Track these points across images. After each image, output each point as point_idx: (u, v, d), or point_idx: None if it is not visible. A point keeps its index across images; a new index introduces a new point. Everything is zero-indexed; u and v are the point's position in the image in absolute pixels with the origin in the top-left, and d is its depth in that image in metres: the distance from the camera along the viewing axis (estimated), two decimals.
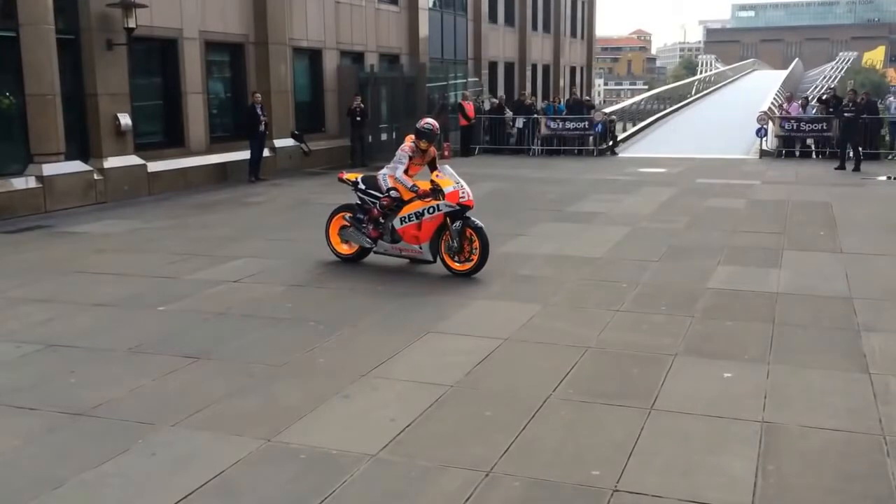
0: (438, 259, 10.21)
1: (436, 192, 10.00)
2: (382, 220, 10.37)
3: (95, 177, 16.90)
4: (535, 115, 28.40)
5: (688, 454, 5.31)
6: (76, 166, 16.63)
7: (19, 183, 15.63)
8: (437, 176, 10.18)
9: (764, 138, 26.46)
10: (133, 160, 17.85)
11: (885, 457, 5.26)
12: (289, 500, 4.75)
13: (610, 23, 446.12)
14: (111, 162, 17.29)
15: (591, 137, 28.12)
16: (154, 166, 18.45)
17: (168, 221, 14.91)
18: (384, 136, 26.41)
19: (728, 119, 36.96)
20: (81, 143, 17.03)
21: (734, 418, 5.85)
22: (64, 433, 5.77)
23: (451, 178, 10.07)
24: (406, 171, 10.25)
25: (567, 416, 5.98)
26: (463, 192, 9.95)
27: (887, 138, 25.97)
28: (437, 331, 8.01)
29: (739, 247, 11.78)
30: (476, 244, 9.98)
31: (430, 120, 10.56)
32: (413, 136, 10.42)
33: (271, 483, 4.98)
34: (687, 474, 5.03)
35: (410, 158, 10.29)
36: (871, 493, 4.79)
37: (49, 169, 15.95)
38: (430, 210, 10.01)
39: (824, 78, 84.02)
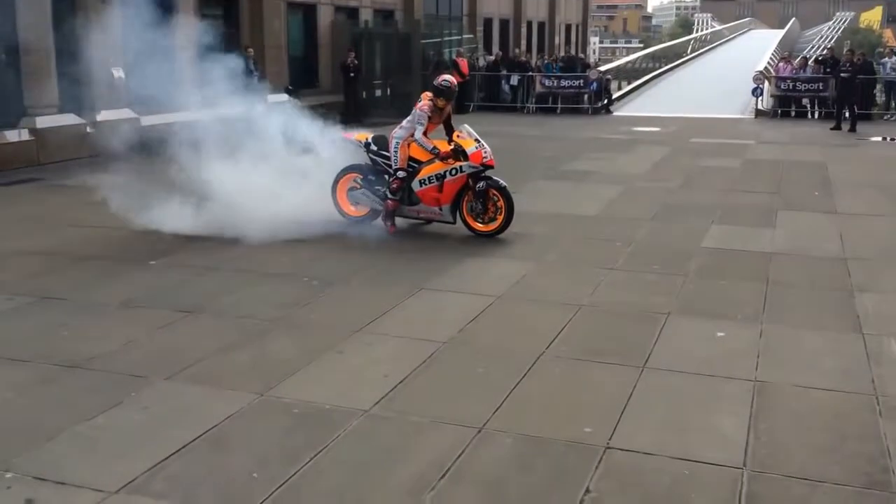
0: (459, 220, 9.98)
1: (457, 153, 9.70)
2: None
3: (88, 130, 16.78)
4: (530, 73, 28.23)
5: (680, 412, 5.32)
6: (70, 119, 16.51)
7: (12, 135, 15.54)
8: (457, 136, 9.90)
9: (760, 98, 26.35)
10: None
11: (877, 417, 5.28)
12: (282, 455, 4.76)
13: None
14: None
15: (585, 96, 27.97)
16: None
17: None
18: (378, 93, 26.22)
19: (724, 78, 36.80)
20: (75, 97, 16.87)
21: (727, 377, 5.86)
22: (57, 385, 5.76)
23: (472, 138, 9.81)
24: (424, 132, 9.80)
25: (559, 373, 5.98)
26: (485, 153, 9.68)
27: (882, 98, 25.92)
28: (431, 287, 8.00)
29: (733, 206, 11.76)
30: (501, 204, 9.78)
31: (447, 77, 10.03)
32: (430, 94, 9.91)
33: (264, 437, 4.98)
34: (679, 432, 5.05)
35: (429, 118, 9.83)
36: (862, 453, 4.81)
37: (43, 122, 15.86)
38: (453, 172, 9.72)
39: (821, 38, 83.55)
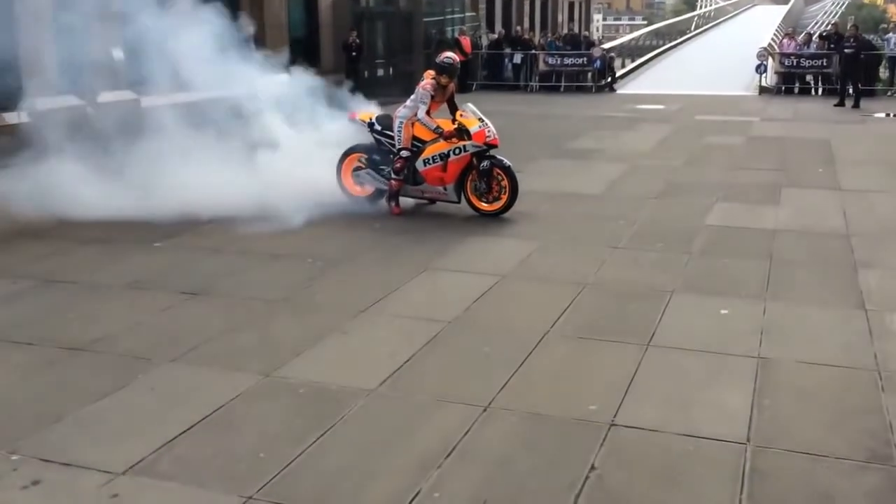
0: (463, 199, 9.97)
1: (461, 131, 9.67)
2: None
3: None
4: (533, 51, 28.14)
5: (684, 389, 5.34)
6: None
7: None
8: (461, 115, 9.87)
9: (763, 74, 26.27)
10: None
11: (879, 391, 5.30)
12: (288, 435, 4.78)
13: None
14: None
15: (589, 74, 27.88)
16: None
17: None
18: (380, 72, 26.13)
19: (727, 55, 36.59)
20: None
21: (730, 354, 5.88)
22: (62, 368, 5.79)
23: (475, 117, 9.78)
24: (427, 111, 9.77)
25: (564, 352, 6.00)
26: (489, 132, 9.64)
27: (886, 74, 25.83)
28: (435, 267, 8.01)
29: (737, 184, 11.74)
30: (505, 183, 9.75)
31: (450, 54, 10.02)
32: (433, 73, 9.88)
33: (271, 417, 5.01)
34: (683, 409, 5.07)
35: (432, 97, 9.78)
36: (865, 428, 4.83)
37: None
38: (456, 151, 9.70)
39: (825, 13, 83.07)
